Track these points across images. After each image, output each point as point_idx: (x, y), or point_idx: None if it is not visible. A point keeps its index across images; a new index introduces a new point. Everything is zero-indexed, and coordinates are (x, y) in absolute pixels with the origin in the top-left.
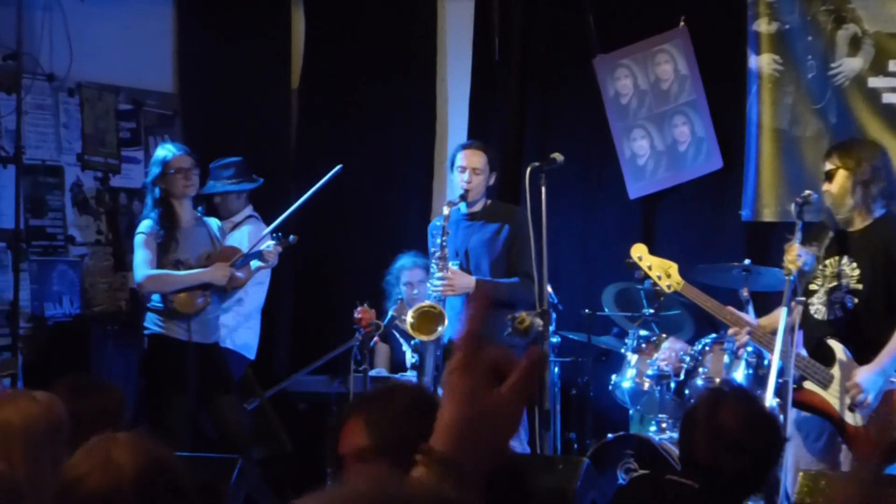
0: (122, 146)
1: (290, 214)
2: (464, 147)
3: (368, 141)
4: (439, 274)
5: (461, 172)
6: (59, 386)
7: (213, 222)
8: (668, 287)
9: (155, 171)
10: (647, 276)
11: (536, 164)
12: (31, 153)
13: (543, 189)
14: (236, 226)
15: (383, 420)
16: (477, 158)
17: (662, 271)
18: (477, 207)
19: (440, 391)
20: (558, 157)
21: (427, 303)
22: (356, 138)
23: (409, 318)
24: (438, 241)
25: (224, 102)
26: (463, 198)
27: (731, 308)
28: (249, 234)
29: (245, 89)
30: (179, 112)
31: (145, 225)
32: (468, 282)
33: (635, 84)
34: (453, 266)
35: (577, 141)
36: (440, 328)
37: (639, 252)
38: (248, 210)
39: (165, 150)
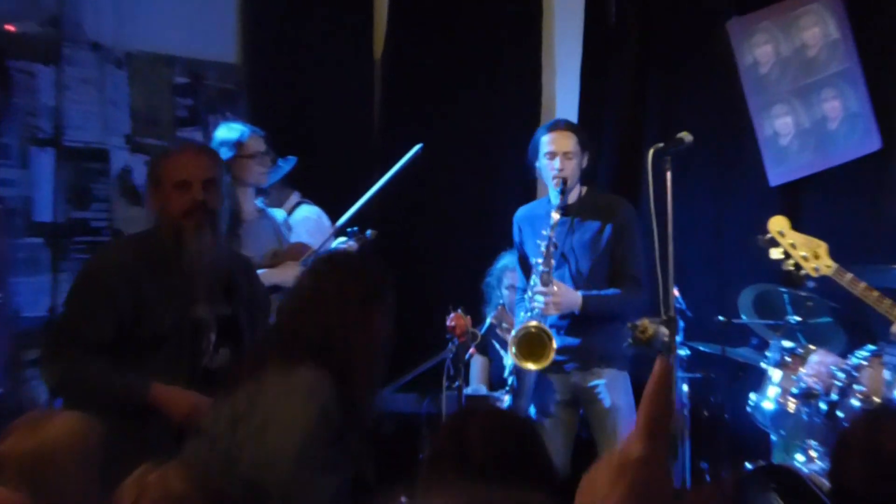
0: (178, 126)
1: (365, 203)
2: (548, 129)
3: (463, 119)
4: (542, 288)
5: (550, 159)
6: (19, 425)
7: (278, 214)
8: (816, 270)
9: (225, 153)
10: (787, 256)
11: (660, 145)
12: (73, 134)
13: (669, 175)
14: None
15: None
16: (566, 140)
17: (809, 251)
18: (572, 198)
19: (536, 416)
20: (686, 137)
21: (532, 323)
22: (448, 117)
23: (511, 346)
24: (541, 246)
25: (295, 76)
26: (562, 193)
27: None
28: (307, 224)
29: (320, 60)
30: (244, 87)
31: None
32: (574, 299)
33: (777, 51)
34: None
35: (708, 119)
36: (551, 354)
37: (779, 226)
38: (296, 196)
39: (235, 130)
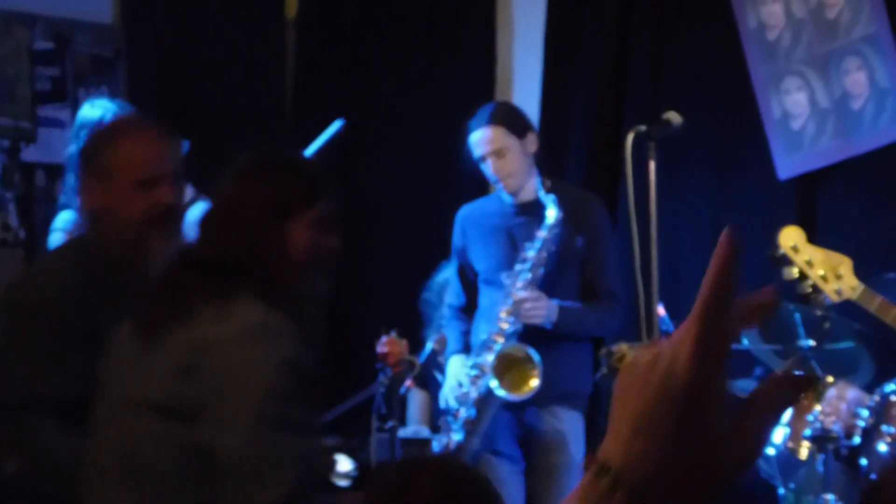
0: (38, 102)
1: None
2: (470, 129)
3: (396, 94)
4: (530, 293)
5: (483, 163)
6: None
7: None
8: (838, 293)
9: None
10: (803, 277)
11: (642, 128)
12: None
13: (652, 164)
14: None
15: None
16: (491, 137)
17: (829, 269)
18: (528, 194)
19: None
20: (674, 118)
21: (512, 346)
22: (378, 89)
23: (490, 372)
24: (529, 250)
25: (187, 39)
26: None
27: None
28: None
29: (219, 21)
30: (123, 53)
31: (64, 218)
32: (551, 310)
33: (788, 12)
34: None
35: (702, 95)
36: (534, 381)
37: (792, 239)
38: (190, 191)
39: (99, 108)
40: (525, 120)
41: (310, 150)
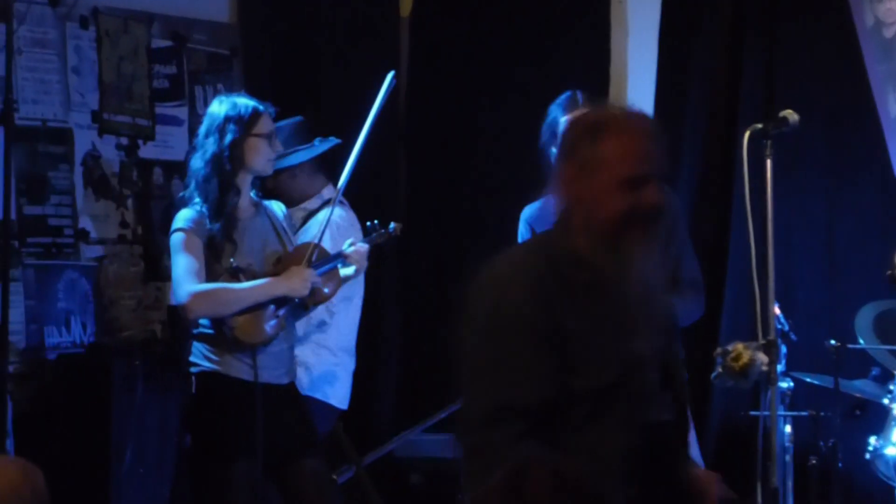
0: (156, 100)
1: (359, 156)
2: (566, 107)
3: (510, 92)
4: None
5: None
6: None
7: (276, 207)
8: None
9: (232, 132)
10: None
11: (759, 126)
12: (27, 110)
13: (769, 163)
14: (310, 214)
15: None
16: None
17: None
18: None
19: None
20: (791, 116)
21: None
22: (492, 87)
23: None
24: None
25: (303, 38)
26: None
27: None
28: (337, 226)
29: (333, 19)
30: (240, 51)
31: (186, 216)
32: None
33: None
34: None
35: (818, 93)
36: None
37: None
38: (329, 191)
39: (244, 104)
40: None
41: (373, 110)
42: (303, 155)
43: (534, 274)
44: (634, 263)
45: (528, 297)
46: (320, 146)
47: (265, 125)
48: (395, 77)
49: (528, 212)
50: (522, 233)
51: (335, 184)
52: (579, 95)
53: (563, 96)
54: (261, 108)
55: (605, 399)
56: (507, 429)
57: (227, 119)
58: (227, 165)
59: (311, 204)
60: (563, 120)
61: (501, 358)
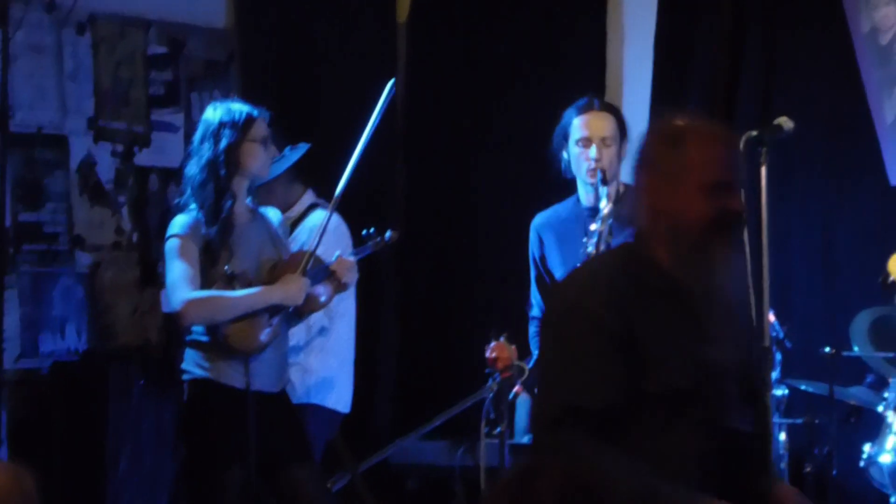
0: (152, 106)
1: (356, 165)
2: (580, 110)
3: (506, 98)
4: None
5: (584, 147)
6: None
7: (273, 214)
8: None
9: (227, 137)
10: None
11: (754, 133)
12: (23, 116)
13: (764, 170)
14: (296, 222)
15: None
16: (604, 123)
17: None
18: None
19: None
20: (786, 123)
21: None
22: (488, 94)
23: None
24: (587, 246)
25: (300, 44)
26: (603, 183)
27: None
28: (332, 233)
29: (330, 25)
30: (236, 57)
31: (181, 222)
32: None
33: None
34: None
35: (814, 100)
36: None
37: None
38: (310, 196)
39: (238, 109)
40: (627, 127)
41: (372, 119)
42: (276, 168)
43: (610, 279)
44: (716, 273)
45: (602, 302)
46: (292, 155)
47: (260, 130)
48: (394, 85)
49: (538, 220)
50: (532, 240)
51: (314, 188)
52: (596, 102)
53: (580, 101)
54: (255, 112)
55: (679, 404)
56: (570, 429)
57: (222, 124)
58: (222, 170)
59: (293, 212)
60: (575, 123)
61: (572, 360)
